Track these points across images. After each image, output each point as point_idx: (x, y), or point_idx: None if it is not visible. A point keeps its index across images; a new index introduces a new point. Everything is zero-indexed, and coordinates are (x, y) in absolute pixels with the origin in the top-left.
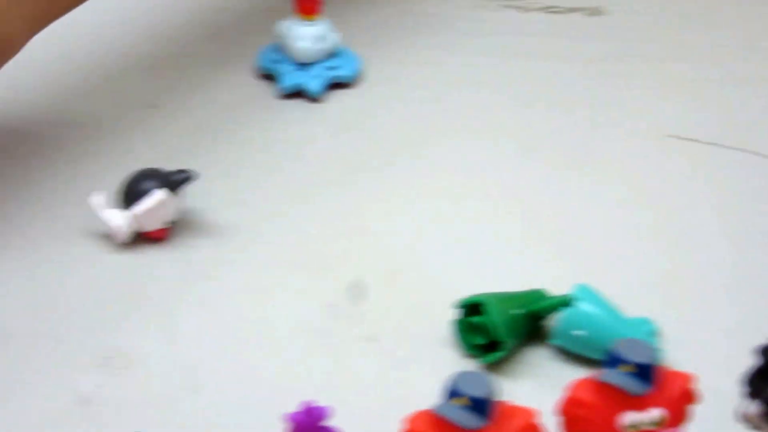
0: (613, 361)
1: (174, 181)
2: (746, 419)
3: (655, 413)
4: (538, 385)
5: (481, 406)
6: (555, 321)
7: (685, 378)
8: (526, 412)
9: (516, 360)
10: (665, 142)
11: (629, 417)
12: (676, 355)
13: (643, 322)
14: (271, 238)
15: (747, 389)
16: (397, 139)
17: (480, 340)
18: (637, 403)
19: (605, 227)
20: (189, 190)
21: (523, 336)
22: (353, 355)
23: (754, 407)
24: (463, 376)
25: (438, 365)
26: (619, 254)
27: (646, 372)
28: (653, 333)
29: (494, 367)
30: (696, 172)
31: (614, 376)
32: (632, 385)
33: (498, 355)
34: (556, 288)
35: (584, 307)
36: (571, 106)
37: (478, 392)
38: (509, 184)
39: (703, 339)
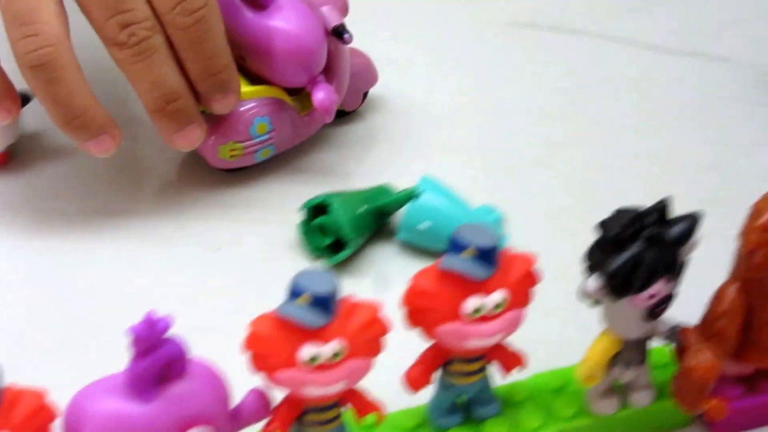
0: (454, 247)
1: None
2: (586, 295)
3: (497, 296)
4: (385, 281)
5: (323, 302)
6: (401, 215)
7: (527, 259)
8: (371, 307)
9: (363, 257)
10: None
11: (472, 302)
12: (521, 241)
13: (489, 210)
14: None
15: (586, 264)
16: None
17: (326, 241)
18: (480, 287)
19: (446, 119)
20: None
21: (369, 232)
22: (201, 265)
23: (592, 282)
24: (304, 274)
25: (287, 268)
26: (461, 144)
27: (487, 255)
28: (499, 220)
29: (341, 265)
30: (537, 58)
31: (454, 262)
32: (474, 269)
33: (344, 253)
34: (402, 183)
35: (428, 198)
36: None
37: (320, 289)
38: None
39: (546, 222)
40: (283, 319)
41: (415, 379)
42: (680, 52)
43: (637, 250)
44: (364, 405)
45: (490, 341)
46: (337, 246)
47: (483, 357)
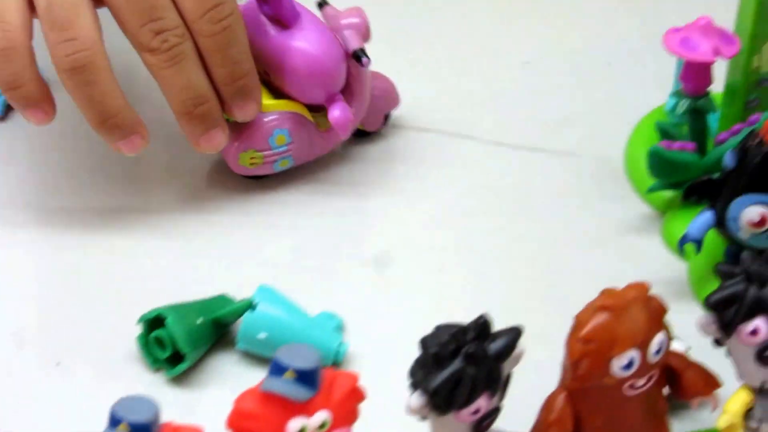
0: (275, 369)
1: None
2: (411, 411)
3: (320, 416)
4: (229, 391)
5: (308, 376)
6: (239, 325)
7: (350, 377)
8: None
9: (203, 368)
10: None
11: (295, 424)
12: (361, 349)
13: (329, 317)
14: None
15: (410, 381)
16: None
17: (164, 353)
18: (304, 408)
19: (283, 229)
20: None
21: (208, 344)
22: (40, 382)
23: (415, 399)
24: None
25: (125, 382)
26: (299, 254)
27: (308, 376)
28: (339, 327)
29: (181, 377)
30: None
31: (275, 384)
32: (294, 391)
33: (182, 366)
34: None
35: (263, 308)
36: None
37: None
38: None
39: (386, 331)
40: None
41: None
42: (522, 146)
43: (458, 366)
44: None
45: None
46: (176, 357)
47: None
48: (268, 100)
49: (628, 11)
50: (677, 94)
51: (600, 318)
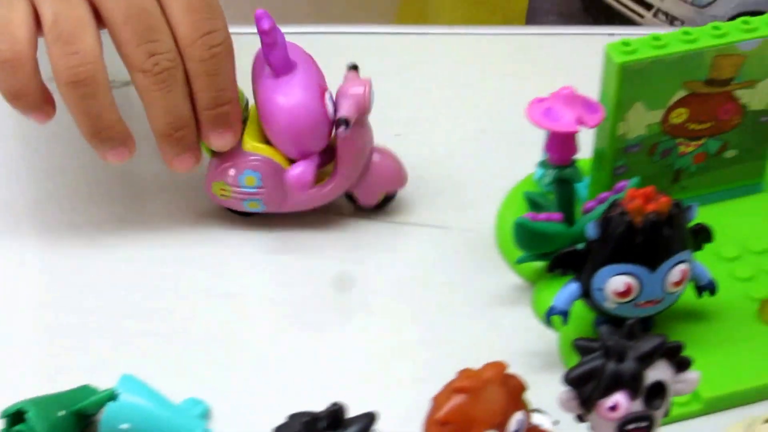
0: None
1: None
2: None
3: None
4: None
5: None
6: (101, 416)
7: None
8: None
9: None
10: None
11: None
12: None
13: (194, 403)
14: None
15: None
16: None
17: None
18: None
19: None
20: None
21: None
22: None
23: None
24: None
25: None
26: (173, 339)
27: None
28: (204, 414)
29: None
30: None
31: None
32: None
33: None
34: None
35: (126, 398)
36: None
37: None
38: None
39: (253, 418)
40: None
41: None
42: (392, 220)
43: None
44: None
45: None
46: None
47: None
48: (252, 141)
49: (501, 78)
50: (543, 164)
51: (456, 400)
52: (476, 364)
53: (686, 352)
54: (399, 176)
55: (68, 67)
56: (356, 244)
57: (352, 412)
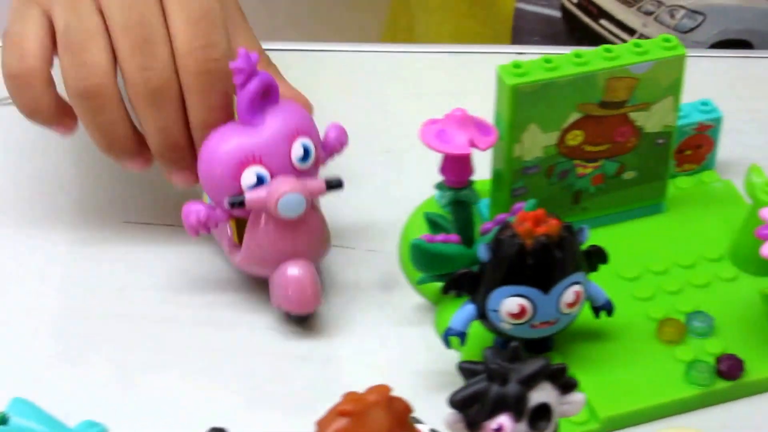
0: None
1: None
2: None
3: None
4: None
5: None
6: None
7: None
8: None
9: None
10: None
11: None
12: None
13: (90, 426)
14: None
15: None
16: None
17: None
18: None
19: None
20: None
21: None
22: None
23: None
24: None
25: None
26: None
27: None
28: None
29: None
30: None
31: None
32: None
33: None
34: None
35: (17, 422)
36: None
37: None
38: None
39: None
40: None
41: None
42: None
43: None
44: None
45: None
46: None
47: None
48: None
49: (407, 96)
50: (440, 186)
51: (340, 423)
52: (375, 382)
53: (585, 372)
54: (303, 300)
55: (77, 78)
56: None
57: None
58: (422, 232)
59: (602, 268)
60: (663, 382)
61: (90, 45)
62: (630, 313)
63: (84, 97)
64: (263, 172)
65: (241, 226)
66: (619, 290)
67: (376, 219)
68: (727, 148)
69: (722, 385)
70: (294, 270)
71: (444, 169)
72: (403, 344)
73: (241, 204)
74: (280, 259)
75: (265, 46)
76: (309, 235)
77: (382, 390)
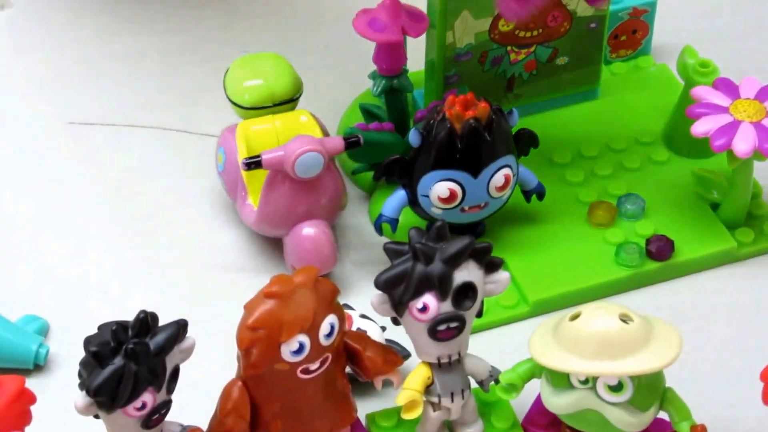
0: None
1: None
2: (79, 411)
3: None
4: None
5: None
6: None
7: (17, 381)
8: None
9: None
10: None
11: None
12: (67, 351)
13: (31, 319)
14: None
15: (79, 381)
16: None
17: None
18: None
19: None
20: None
21: None
22: None
23: (80, 399)
24: None
25: None
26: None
27: None
28: (42, 330)
29: None
30: (99, 155)
31: None
32: None
33: None
34: None
35: None
36: None
37: None
38: None
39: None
40: None
41: None
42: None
43: (119, 364)
44: None
45: None
46: None
47: None
48: None
49: None
50: (374, 75)
51: (267, 305)
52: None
53: (516, 257)
54: (321, 260)
55: None
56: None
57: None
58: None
59: (535, 153)
60: (593, 265)
61: None
62: (562, 198)
63: None
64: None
65: (257, 186)
66: (552, 175)
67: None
68: (663, 32)
69: (652, 266)
70: (310, 230)
71: (377, 58)
72: (342, 235)
73: (258, 164)
74: (296, 219)
75: None
76: (326, 194)
77: (309, 272)
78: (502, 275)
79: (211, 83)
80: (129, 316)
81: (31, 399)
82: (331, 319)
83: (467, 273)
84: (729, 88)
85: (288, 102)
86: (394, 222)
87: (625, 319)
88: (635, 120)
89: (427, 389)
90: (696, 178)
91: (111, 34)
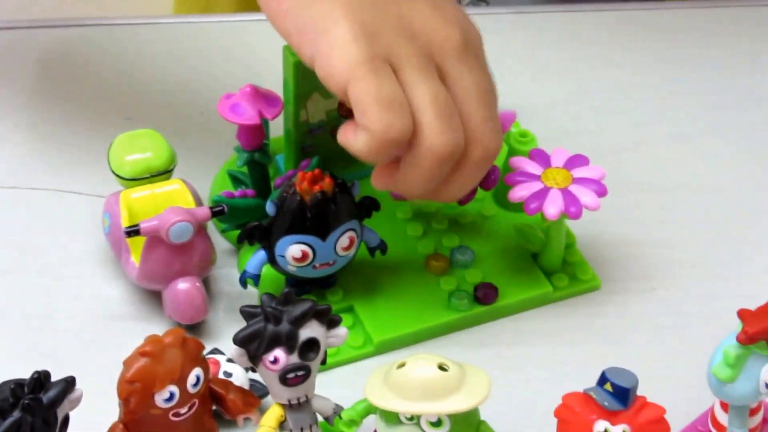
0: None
1: None
2: None
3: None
4: None
5: (623, 393)
6: None
7: (659, 410)
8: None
9: None
10: None
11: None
12: None
13: None
14: None
15: None
16: None
17: None
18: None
19: None
20: None
21: None
22: None
23: None
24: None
25: None
26: None
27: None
28: None
29: None
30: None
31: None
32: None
33: None
34: None
35: None
36: None
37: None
38: None
39: None
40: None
41: None
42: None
43: (17, 416)
44: None
45: None
46: None
47: None
48: None
49: (226, 62)
50: (238, 149)
51: (141, 362)
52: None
53: (363, 303)
54: (193, 311)
55: (447, 140)
56: None
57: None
58: (226, 187)
59: (381, 212)
60: (428, 309)
61: (454, 111)
62: (403, 250)
63: (447, 158)
64: None
65: (138, 247)
66: (395, 231)
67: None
68: None
69: (478, 309)
70: (184, 285)
71: (239, 136)
72: (212, 286)
73: (137, 232)
74: (172, 276)
75: None
76: (196, 255)
77: (176, 333)
78: (340, 330)
79: (98, 148)
80: (28, 364)
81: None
82: (197, 371)
83: (311, 330)
84: (541, 157)
85: (164, 173)
86: (256, 277)
87: (443, 366)
88: None
89: (281, 425)
90: (517, 231)
91: (10, 104)
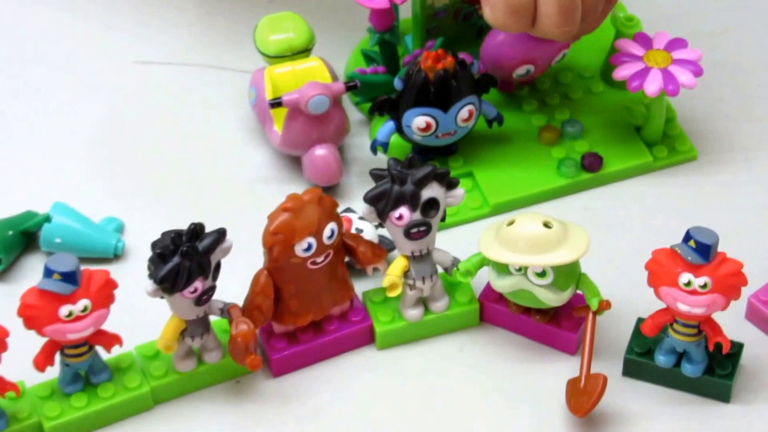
0: (47, 272)
1: None
2: (148, 294)
3: (82, 303)
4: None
5: (69, 276)
6: (40, 234)
7: (103, 273)
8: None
9: (19, 266)
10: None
11: (64, 309)
12: (137, 244)
13: (110, 221)
14: None
15: (148, 273)
16: None
17: None
18: (69, 299)
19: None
20: None
21: (20, 248)
22: None
23: (149, 285)
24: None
25: None
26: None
27: (69, 277)
28: (119, 228)
29: (2, 274)
30: (166, 93)
31: (46, 284)
32: (60, 287)
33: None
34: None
35: (57, 220)
36: None
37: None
38: None
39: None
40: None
41: (40, 363)
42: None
43: (177, 261)
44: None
45: (83, 334)
46: None
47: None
48: None
49: None
50: (370, 30)
51: (283, 216)
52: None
53: (481, 169)
54: (329, 174)
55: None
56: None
57: None
58: (360, 64)
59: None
60: (540, 175)
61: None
62: (518, 123)
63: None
64: None
65: (280, 117)
66: (511, 105)
67: (328, 53)
68: None
69: (585, 176)
70: (321, 151)
71: (372, 18)
72: (348, 153)
73: (279, 104)
74: (311, 143)
75: None
76: (332, 125)
77: (314, 191)
78: (458, 191)
79: (244, 30)
80: (184, 218)
81: (114, 285)
82: (332, 225)
83: (432, 191)
84: (644, 40)
85: (303, 51)
86: (385, 145)
87: (547, 224)
88: (578, 58)
89: (405, 274)
90: (624, 108)
91: None
